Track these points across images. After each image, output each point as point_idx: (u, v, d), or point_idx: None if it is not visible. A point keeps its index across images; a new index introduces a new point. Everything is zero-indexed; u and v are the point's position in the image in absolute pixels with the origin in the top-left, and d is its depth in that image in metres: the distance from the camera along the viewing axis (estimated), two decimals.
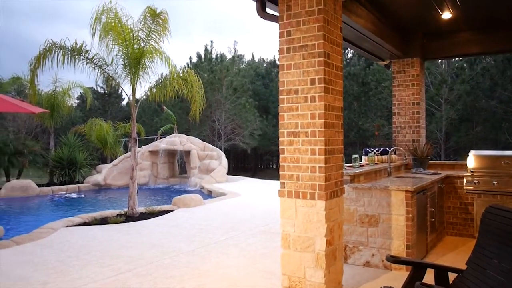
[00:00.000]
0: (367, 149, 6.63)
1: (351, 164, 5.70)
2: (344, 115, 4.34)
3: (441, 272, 2.77)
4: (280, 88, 4.01)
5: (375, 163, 6.20)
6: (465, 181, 6.18)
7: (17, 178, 14.90)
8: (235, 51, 34.43)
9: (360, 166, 5.74)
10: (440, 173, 6.42)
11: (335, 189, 3.98)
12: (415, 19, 6.40)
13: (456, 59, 21.63)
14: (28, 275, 4.80)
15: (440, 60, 22.01)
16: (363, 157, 6.44)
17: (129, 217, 8.38)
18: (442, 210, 6.34)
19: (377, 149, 6.65)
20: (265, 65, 35.94)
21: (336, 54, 3.98)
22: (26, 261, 5.34)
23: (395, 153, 6.80)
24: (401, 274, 4.57)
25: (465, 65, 22.22)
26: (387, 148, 6.56)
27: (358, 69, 26.28)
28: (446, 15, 5.62)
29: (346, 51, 27.16)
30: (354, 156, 5.81)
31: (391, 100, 7.48)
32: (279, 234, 4.15)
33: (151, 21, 8.82)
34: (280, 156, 4.03)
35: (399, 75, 7.25)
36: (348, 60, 28.05)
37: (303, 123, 3.86)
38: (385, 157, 6.46)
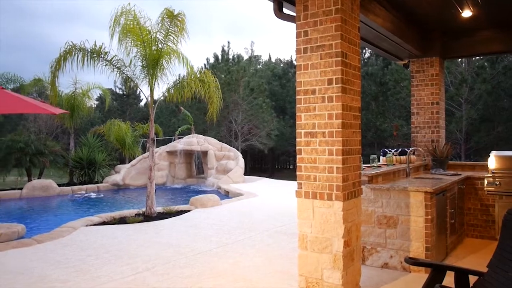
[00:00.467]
0: (385, 149, 6.56)
1: (369, 165, 5.65)
2: (361, 115, 4.31)
3: (461, 274, 2.72)
4: (297, 88, 4.00)
5: (394, 164, 6.14)
6: (486, 182, 6.06)
7: (38, 178, 15.19)
8: (252, 51, 34.57)
9: (378, 166, 5.69)
10: (460, 174, 6.32)
11: (353, 189, 3.95)
12: (435, 18, 6.31)
13: (477, 58, 21.24)
14: (48, 273, 4.88)
15: (460, 59, 21.65)
16: (381, 157, 6.37)
17: (147, 217, 8.46)
18: (462, 211, 6.23)
19: (395, 149, 6.58)
20: (282, 65, 35.92)
21: (353, 54, 3.95)
22: (47, 260, 5.43)
23: (414, 153, 6.72)
24: (420, 276, 4.51)
25: (486, 64, 21.82)
26: (406, 149, 6.48)
27: (376, 69, 26.05)
28: (467, 13, 5.53)
29: (364, 51, 26.95)
30: (372, 156, 5.76)
31: (410, 100, 7.39)
32: (296, 235, 4.14)
33: (168, 23, 8.89)
34: (297, 156, 4.02)
35: (418, 75, 7.16)
36: (365, 60, 27.83)
37: (321, 123, 3.84)
38: (403, 157, 6.39)
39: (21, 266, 5.17)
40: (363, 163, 5.17)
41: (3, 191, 12.26)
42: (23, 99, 7.71)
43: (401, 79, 23.52)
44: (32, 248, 6.06)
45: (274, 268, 4.98)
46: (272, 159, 35.98)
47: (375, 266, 4.93)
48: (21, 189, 12.52)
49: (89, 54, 8.78)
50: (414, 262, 2.79)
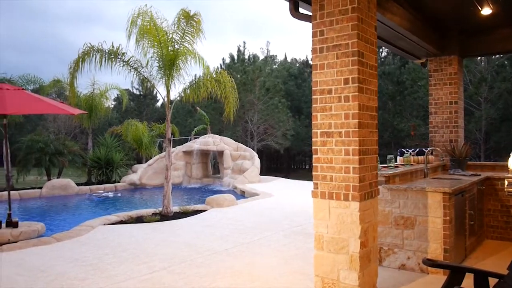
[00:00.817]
0: (403, 149, 6.50)
1: (386, 165, 5.59)
2: (378, 115, 4.27)
3: (480, 277, 2.68)
4: (313, 88, 3.98)
5: (411, 164, 6.07)
6: (506, 182, 5.94)
7: (57, 177, 15.45)
8: (267, 51, 34.51)
9: (395, 167, 5.63)
10: (479, 175, 6.21)
11: (370, 190, 3.92)
12: (453, 16, 6.22)
13: (497, 56, 20.86)
14: (67, 271, 4.96)
15: (479, 58, 21.29)
16: (398, 157, 6.31)
17: (163, 216, 8.53)
18: (481, 212, 6.13)
19: (413, 149, 6.50)
20: (297, 65, 35.84)
21: (370, 53, 3.92)
22: (65, 258, 5.52)
23: (432, 153, 6.63)
24: (438, 278, 4.45)
25: (506, 62, 21.42)
26: (424, 149, 6.40)
27: (393, 68, 25.81)
28: (486, 10, 5.43)
29: (381, 50, 26.71)
30: (389, 156, 5.70)
31: (428, 99, 7.30)
32: (312, 235, 4.12)
33: (184, 23, 8.95)
34: (313, 156, 4.00)
35: (436, 74, 7.07)
36: (382, 59, 27.59)
37: (337, 123, 3.82)
38: (421, 157, 6.31)
39: (41, 263, 5.26)
40: (380, 163, 5.13)
41: (23, 190, 12.50)
42: (42, 100, 7.85)
43: (419, 78, 23.26)
44: (52, 246, 6.16)
45: (290, 268, 4.97)
46: (288, 159, 35.92)
47: (392, 267, 4.88)
48: (40, 188, 12.74)
49: (106, 55, 8.89)
50: (432, 263, 2.75)
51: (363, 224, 3.77)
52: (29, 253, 5.80)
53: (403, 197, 4.84)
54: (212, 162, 18.08)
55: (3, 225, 7.24)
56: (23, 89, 8.17)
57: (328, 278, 3.89)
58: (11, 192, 8.15)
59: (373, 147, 3.99)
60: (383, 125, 24.23)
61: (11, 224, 7.24)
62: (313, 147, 4.01)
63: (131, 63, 9.10)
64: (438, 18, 6.26)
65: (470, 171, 6.68)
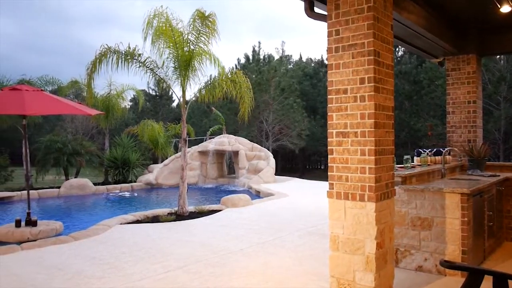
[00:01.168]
0: (419, 149, 6.42)
1: (402, 165, 5.54)
2: (395, 115, 4.23)
3: (500, 279, 2.63)
4: (328, 88, 3.96)
5: (428, 164, 5.99)
6: None
7: (75, 177, 15.67)
8: (282, 51, 34.45)
9: (412, 167, 5.57)
10: (498, 175, 6.10)
11: (386, 190, 3.88)
12: (471, 14, 6.12)
13: None
14: (85, 269, 5.02)
15: (498, 56, 20.93)
16: (415, 158, 6.24)
17: (179, 216, 8.58)
18: (501, 214, 6.02)
19: (430, 149, 6.42)
20: (313, 65, 35.69)
21: (386, 52, 3.89)
22: (83, 256, 5.59)
23: (449, 154, 6.54)
24: (456, 280, 4.39)
25: None
26: (441, 149, 6.32)
27: (410, 67, 25.52)
28: (506, 8, 5.33)
29: (397, 49, 26.44)
30: (405, 157, 5.64)
31: (445, 99, 7.20)
32: (327, 236, 4.10)
33: (200, 24, 8.99)
34: (329, 156, 3.98)
35: (453, 73, 6.97)
36: (399, 58, 27.30)
37: (353, 123, 3.79)
38: (438, 158, 6.23)
39: (59, 262, 5.34)
40: (396, 164, 5.08)
41: (42, 190, 12.71)
42: (61, 101, 7.97)
43: (436, 77, 22.96)
44: (69, 245, 6.25)
45: (305, 269, 4.95)
46: (303, 159, 35.80)
47: (408, 269, 4.83)
48: (59, 187, 12.94)
49: (123, 56, 8.98)
50: (450, 265, 2.71)
51: (379, 225, 3.73)
52: (47, 251, 5.90)
53: (420, 198, 4.78)
54: (227, 162, 18.12)
55: (23, 223, 7.38)
56: (42, 90, 8.31)
57: (344, 279, 3.86)
58: (30, 191, 8.30)
59: (389, 147, 3.95)
60: (400, 125, 23.97)
61: (30, 223, 7.37)
62: (328, 147, 3.99)
63: (147, 64, 9.17)
64: (456, 16, 6.17)
65: (489, 171, 6.56)
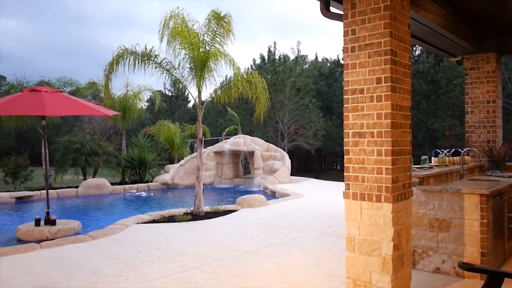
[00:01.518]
0: (437, 150, 6.33)
1: (419, 166, 5.47)
2: (412, 115, 4.18)
3: None
4: (344, 88, 3.94)
5: (446, 165, 5.91)
6: None
7: (92, 177, 15.89)
8: (298, 51, 34.37)
9: (430, 167, 5.50)
10: None
11: (403, 191, 3.84)
12: (490, 12, 6.01)
13: None
14: (102, 268, 5.09)
15: None
16: (432, 158, 6.15)
17: (195, 216, 8.63)
18: None
19: (448, 150, 6.33)
20: (328, 64, 35.52)
21: (403, 51, 3.85)
22: (100, 255, 5.66)
23: (468, 154, 6.43)
24: (475, 283, 4.32)
25: None
26: (459, 149, 6.22)
27: (427, 67, 25.21)
28: None
29: (414, 48, 26.14)
30: (423, 157, 5.57)
31: (464, 99, 7.09)
32: (343, 237, 4.08)
33: (215, 25, 9.02)
34: (345, 157, 3.95)
35: (472, 72, 6.85)
36: (416, 58, 26.98)
37: (369, 123, 3.76)
38: (456, 158, 6.13)
39: (77, 260, 5.42)
40: (414, 164, 5.02)
41: (60, 189, 12.92)
42: (79, 102, 8.09)
43: (454, 76, 22.64)
44: (87, 244, 6.33)
45: (321, 270, 4.93)
46: (319, 160, 35.65)
47: (426, 271, 4.77)
48: (77, 187, 13.13)
49: (140, 57, 9.06)
50: (468, 267, 2.66)
51: (396, 226, 3.69)
52: (66, 250, 5.99)
53: (438, 199, 4.71)
54: (243, 163, 18.16)
55: (42, 222, 7.51)
56: (60, 91, 8.44)
57: (360, 281, 3.83)
58: (49, 191, 8.43)
59: (406, 147, 3.91)
60: (417, 125, 23.68)
61: (49, 221, 7.49)
62: (344, 148, 3.97)
63: (163, 64, 9.24)
64: (475, 14, 6.07)
65: (509, 172, 6.44)
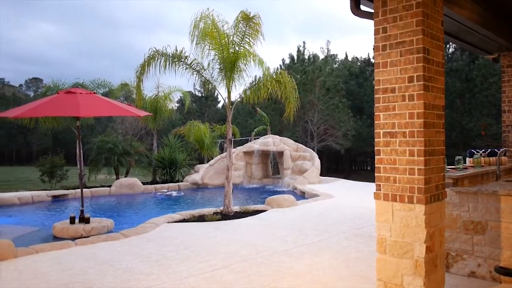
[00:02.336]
0: (472, 150, 6.15)
1: (453, 167, 5.32)
2: (445, 114, 4.07)
3: None
4: (375, 87, 3.87)
5: (481, 166, 5.73)
6: None
7: (125, 177, 16.22)
8: (327, 51, 34.08)
9: (464, 168, 5.35)
10: None
11: (436, 192, 3.75)
12: None
13: None
14: (134, 265, 5.19)
15: None
16: (467, 159, 5.98)
17: (224, 216, 8.68)
18: None
19: (483, 150, 6.14)
20: (358, 63, 35.09)
21: (436, 49, 3.75)
22: (132, 253, 5.78)
23: (505, 154, 6.22)
24: None
25: None
26: (496, 150, 6.02)
27: (462, 65, 24.55)
28: None
29: (448, 46, 25.48)
30: (457, 158, 5.42)
31: (500, 97, 6.86)
32: (373, 238, 4.01)
33: (244, 25, 9.05)
34: (376, 157, 3.89)
35: (509, 69, 6.62)
36: (450, 55, 26.31)
37: (401, 123, 3.69)
38: (492, 159, 5.94)
39: (110, 258, 5.54)
40: (447, 165, 4.89)
41: (94, 188, 13.25)
42: (112, 103, 8.28)
43: (490, 74, 21.95)
44: (120, 242, 6.47)
45: (351, 271, 4.87)
46: (349, 160, 35.26)
47: (460, 275, 4.64)
48: (110, 186, 13.44)
49: (170, 58, 9.19)
50: (506, 272, 2.58)
51: (429, 228, 3.61)
52: (99, 247, 6.14)
53: (473, 201, 4.58)
54: (272, 163, 18.14)
55: (77, 220, 7.72)
56: (94, 93, 8.66)
57: (391, 283, 3.76)
58: (84, 190, 8.66)
59: (439, 147, 3.81)
60: (451, 124, 23.08)
61: (84, 220, 7.70)
62: (375, 148, 3.90)
63: (193, 65, 9.34)
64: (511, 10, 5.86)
65: None
